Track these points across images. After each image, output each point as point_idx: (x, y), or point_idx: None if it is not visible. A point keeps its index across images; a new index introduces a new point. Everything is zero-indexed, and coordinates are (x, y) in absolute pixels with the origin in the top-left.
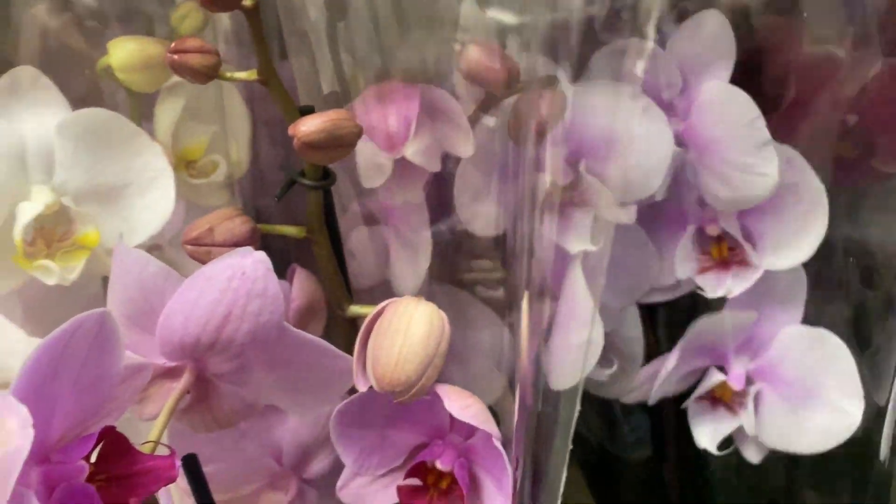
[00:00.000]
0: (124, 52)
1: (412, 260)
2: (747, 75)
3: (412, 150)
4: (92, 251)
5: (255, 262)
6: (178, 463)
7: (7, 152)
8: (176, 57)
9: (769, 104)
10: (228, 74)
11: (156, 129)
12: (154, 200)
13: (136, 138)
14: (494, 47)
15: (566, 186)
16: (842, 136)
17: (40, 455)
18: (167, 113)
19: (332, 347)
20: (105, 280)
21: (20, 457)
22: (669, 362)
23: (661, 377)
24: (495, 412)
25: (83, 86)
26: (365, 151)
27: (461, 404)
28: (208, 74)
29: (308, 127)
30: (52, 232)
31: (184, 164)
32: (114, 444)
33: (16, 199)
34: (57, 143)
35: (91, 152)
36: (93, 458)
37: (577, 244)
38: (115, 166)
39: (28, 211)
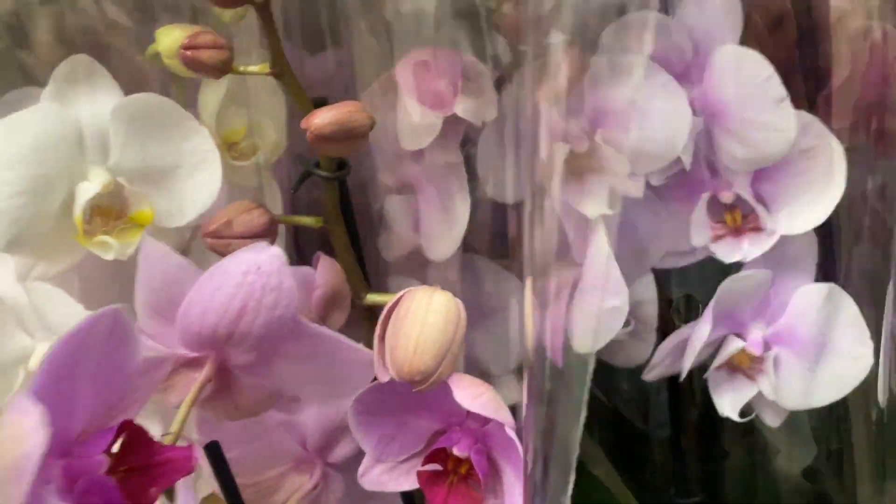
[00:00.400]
0: (171, 40)
1: (448, 225)
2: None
3: (462, 107)
4: (145, 228)
5: (271, 257)
6: (197, 453)
7: (66, 135)
8: (188, 53)
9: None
10: (241, 68)
11: (200, 113)
12: (202, 181)
13: (185, 122)
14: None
15: (583, 154)
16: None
17: (61, 449)
18: (211, 98)
19: (350, 341)
20: None
21: (35, 456)
22: (702, 331)
23: (695, 348)
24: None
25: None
26: (410, 113)
27: (472, 393)
28: (221, 69)
29: (321, 119)
30: (108, 210)
31: (226, 147)
32: (133, 436)
33: (75, 179)
34: (111, 126)
35: (143, 135)
36: (114, 451)
37: (595, 209)
38: (165, 148)
39: (87, 190)
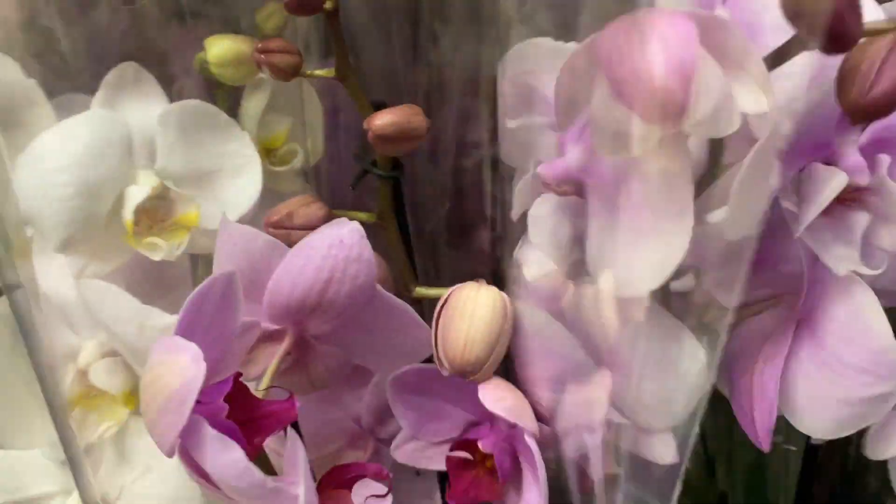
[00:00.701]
0: (219, 49)
1: (652, 250)
2: None
3: (696, 119)
4: (190, 231)
5: (351, 231)
6: (297, 404)
7: (116, 140)
8: (262, 56)
9: None
10: (309, 72)
11: (242, 120)
12: (243, 184)
13: (228, 128)
14: None
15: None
16: None
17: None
18: (253, 105)
19: (416, 315)
20: (192, 258)
21: (196, 385)
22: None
23: None
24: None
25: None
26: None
27: (496, 396)
28: (291, 72)
29: (382, 121)
30: (155, 213)
31: (265, 153)
32: (239, 390)
33: (124, 182)
34: (158, 131)
35: (188, 140)
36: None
37: (847, 262)
38: (209, 153)
39: (137, 194)
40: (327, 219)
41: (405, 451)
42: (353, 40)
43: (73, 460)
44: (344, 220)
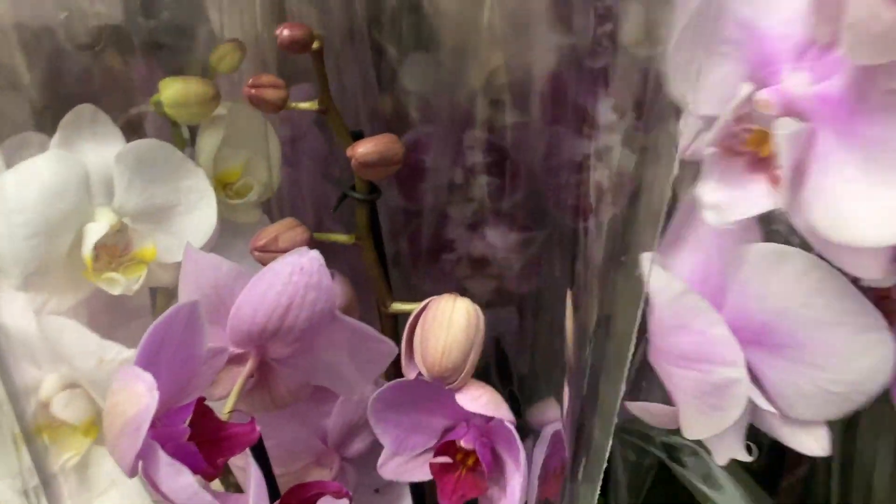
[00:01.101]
0: (173, 91)
1: None
2: None
3: None
4: (148, 265)
5: (311, 259)
6: (258, 428)
7: (74, 179)
8: (253, 91)
9: None
10: (293, 105)
11: (198, 155)
12: (199, 219)
13: (183, 164)
14: None
15: None
16: None
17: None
18: (209, 141)
19: (376, 332)
20: (152, 291)
21: (149, 413)
22: None
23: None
24: None
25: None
26: None
27: (471, 395)
28: (279, 105)
29: (364, 149)
30: (113, 248)
31: (222, 187)
32: (202, 413)
33: (83, 220)
34: (116, 170)
35: (145, 177)
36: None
37: None
38: (165, 189)
39: (95, 231)
40: (309, 242)
41: (390, 468)
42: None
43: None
44: (304, 248)
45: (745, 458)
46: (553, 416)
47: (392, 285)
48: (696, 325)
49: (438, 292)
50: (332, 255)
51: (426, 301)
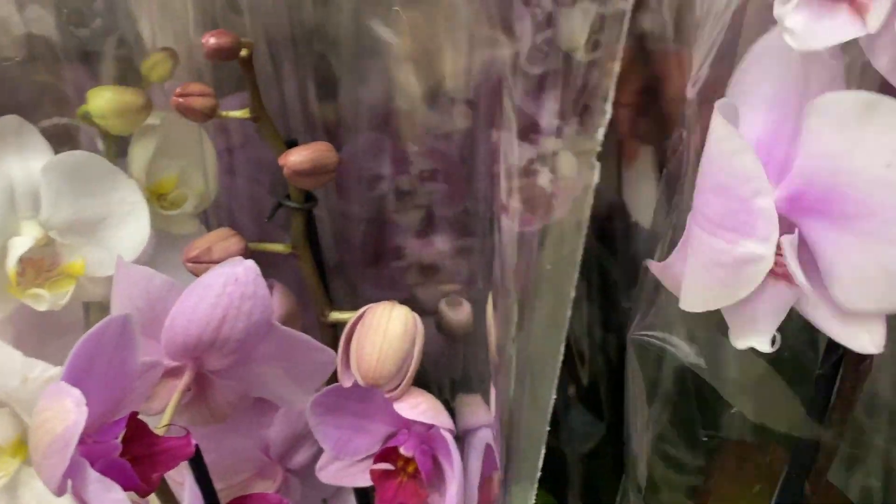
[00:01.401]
0: (101, 100)
1: None
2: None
3: None
4: (77, 279)
5: (246, 269)
6: (193, 441)
7: None
8: (181, 100)
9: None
10: (224, 113)
11: (130, 166)
12: (131, 231)
13: (113, 176)
14: None
15: None
16: None
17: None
18: (141, 152)
19: (314, 341)
20: (86, 305)
21: (77, 430)
22: None
23: None
24: None
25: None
26: None
27: (410, 404)
28: (208, 114)
29: (298, 157)
30: (40, 263)
31: (156, 197)
32: (136, 428)
33: (8, 234)
34: (42, 182)
35: (74, 190)
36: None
37: None
38: (95, 201)
39: (20, 245)
40: (244, 252)
41: (329, 472)
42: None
43: None
44: (239, 258)
45: (764, 347)
46: (485, 419)
47: (338, 294)
48: (740, 191)
49: (386, 300)
50: (275, 264)
51: (363, 309)
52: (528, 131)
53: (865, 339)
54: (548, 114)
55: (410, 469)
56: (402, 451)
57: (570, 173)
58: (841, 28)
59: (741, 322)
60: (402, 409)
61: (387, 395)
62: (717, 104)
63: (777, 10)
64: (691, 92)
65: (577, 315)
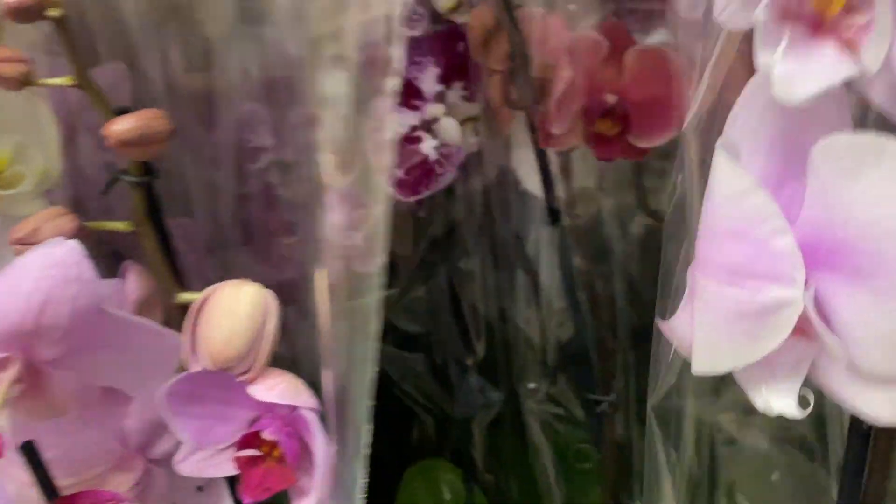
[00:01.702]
0: None
1: None
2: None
3: None
4: None
5: (68, 250)
6: (5, 440)
7: None
8: None
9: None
10: (41, 81)
11: None
12: None
13: None
14: None
15: None
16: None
17: None
18: None
19: (157, 325)
20: None
21: None
22: None
23: None
24: None
25: None
26: None
27: (266, 385)
28: (22, 81)
29: (122, 126)
30: None
31: None
32: None
33: None
34: None
35: None
36: None
37: None
38: None
39: None
40: (79, 231)
41: (190, 464)
42: (124, 49)
43: None
44: (60, 238)
45: (793, 412)
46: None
47: (216, 275)
48: (757, 233)
49: (275, 279)
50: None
51: (210, 289)
52: (410, 97)
53: (886, 407)
54: (429, 79)
55: (276, 454)
56: (264, 435)
57: (454, 140)
58: (830, 69)
59: (758, 384)
60: (256, 392)
61: (238, 379)
62: (718, 143)
63: (762, 61)
64: (689, 129)
65: (476, 286)
